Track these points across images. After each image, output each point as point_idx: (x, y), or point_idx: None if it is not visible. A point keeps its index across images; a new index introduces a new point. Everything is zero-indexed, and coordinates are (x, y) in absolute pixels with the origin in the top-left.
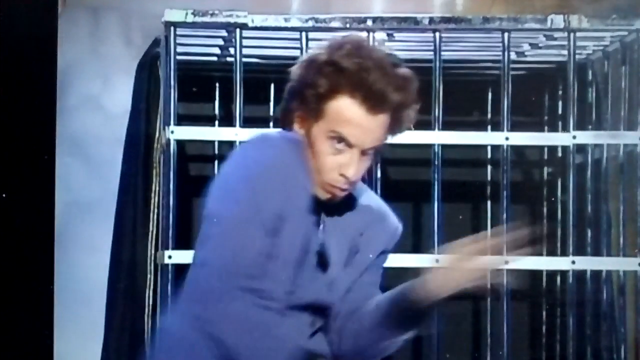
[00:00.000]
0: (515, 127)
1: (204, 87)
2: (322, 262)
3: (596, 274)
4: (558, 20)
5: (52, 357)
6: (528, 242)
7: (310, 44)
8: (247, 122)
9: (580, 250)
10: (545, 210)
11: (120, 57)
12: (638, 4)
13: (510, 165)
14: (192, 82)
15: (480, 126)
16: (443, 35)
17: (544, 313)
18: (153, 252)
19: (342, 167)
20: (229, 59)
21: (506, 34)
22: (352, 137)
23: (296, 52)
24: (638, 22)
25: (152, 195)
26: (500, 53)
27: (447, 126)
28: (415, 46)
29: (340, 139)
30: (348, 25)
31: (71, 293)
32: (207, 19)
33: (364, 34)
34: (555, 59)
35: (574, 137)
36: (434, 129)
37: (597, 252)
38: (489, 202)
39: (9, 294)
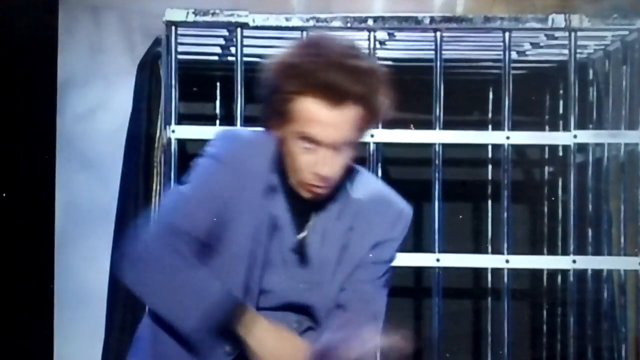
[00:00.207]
0: (516, 126)
1: (205, 86)
2: (305, 262)
3: (597, 273)
4: (559, 20)
5: (52, 357)
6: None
7: None
8: (248, 122)
9: (581, 250)
10: (546, 209)
11: (121, 56)
12: (639, 3)
13: (511, 164)
14: (193, 82)
15: (481, 125)
16: (444, 34)
17: (545, 312)
18: None
19: (314, 165)
20: (230, 58)
21: (507, 34)
22: (318, 135)
23: None
24: (639, 21)
25: (153, 194)
26: (501, 52)
27: (448, 125)
28: (416, 45)
29: (309, 138)
30: (349, 25)
31: (71, 293)
32: (208, 18)
33: (364, 34)
34: (556, 58)
35: (575, 137)
36: (435, 129)
37: (597, 252)
38: (489, 202)
39: (9, 293)
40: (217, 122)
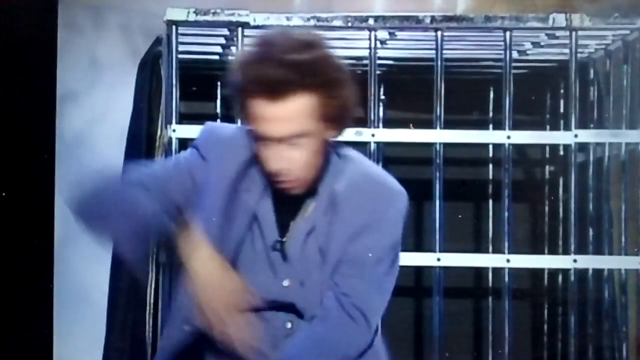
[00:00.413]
0: (517, 125)
1: (206, 85)
2: (287, 261)
3: (598, 272)
4: (560, 19)
5: (52, 356)
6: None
7: None
8: None
9: (581, 249)
10: (546, 208)
11: (121, 55)
12: (639, 2)
13: (511, 163)
14: (194, 81)
15: (482, 125)
16: (445, 34)
17: (546, 312)
18: (154, 250)
19: (268, 161)
20: (231, 57)
21: (508, 33)
22: (262, 131)
23: None
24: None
25: None
26: (502, 52)
27: (448, 125)
28: (417, 45)
29: (259, 135)
30: (350, 24)
31: (71, 292)
32: (209, 17)
33: (365, 33)
34: (557, 57)
35: (576, 136)
36: (435, 128)
37: (598, 251)
38: (490, 201)
39: (8, 293)
40: (218, 121)
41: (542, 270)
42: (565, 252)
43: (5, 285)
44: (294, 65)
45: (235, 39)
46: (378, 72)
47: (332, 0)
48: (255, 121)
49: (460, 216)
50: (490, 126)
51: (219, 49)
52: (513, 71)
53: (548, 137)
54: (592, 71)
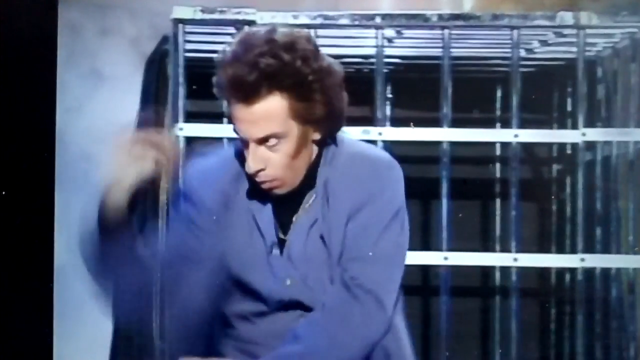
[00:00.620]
0: (524, 124)
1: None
2: (288, 260)
3: (605, 271)
4: (567, 17)
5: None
6: None
7: (319, 41)
8: None
9: (589, 248)
10: (554, 207)
11: (128, 54)
12: None
13: (519, 162)
14: (200, 79)
15: (489, 123)
16: (452, 32)
17: (553, 311)
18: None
19: (247, 162)
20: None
21: (515, 31)
22: (240, 132)
23: None
24: None
25: (160, 192)
26: (510, 50)
27: (455, 123)
28: (424, 43)
29: (238, 136)
30: (357, 22)
31: (71, 292)
32: (215, 16)
33: (371, 31)
34: (564, 56)
35: (583, 135)
36: (442, 127)
37: (606, 250)
38: (497, 200)
39: (8, 292)
40: (225, 119)
41: (549, 269)
42: (573, 251)
43: (5, 284)
44: (264, 67)
45: None
46: (385, 70)
47: None
48: (234, 122)
49: (467, 215)
50: (498, 125)
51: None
52: (520, 70)
53: (555, 135)
54: (599, 69)
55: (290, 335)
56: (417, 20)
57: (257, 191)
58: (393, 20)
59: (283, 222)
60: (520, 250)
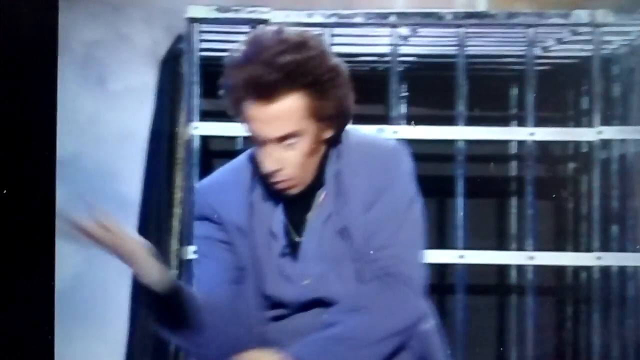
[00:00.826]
0: (540, 122)
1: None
2: (302, 260)
3: (621, 269)
4: (583, 15)
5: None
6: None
7: (334, 40)
8: None
9: (605, 246)
10: (570, 206)
11: (143, 53)
12: None
13: (535, 160)
14: (215, 78)
15: (504, 122)
16: (467, 30)
17: (569, 309)
18: (176, 247)
19: (262, 162)
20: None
21: (531, 29)
22: (255, 132)
23: None
24: None
25: (176, 191)
26: (525, 48)
27: (471, 122)
28: (438, 42)
29: (254, 136)
30: (371, 21)
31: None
32: (230, 15)
33: (386, 30)
34: (580, 54)
35: (599, 133)
36: (458, 125)
37: (622, 248)
38: (513, 198)
39: (9, 290)
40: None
41: (565, 267)
42: (589, 249)
43: (5, 282)
44: (282, 66)
45: None
46: (400, 68)
47: None
48: (249, 122)
49: (483, 213)
50: (513, 123)
51: None
52: (536, 68)
53: (571, 133)
54: (615, 67)
55: (324, 322)
56: (432, 19)
57: (269, 195)
58: (408, 18)
59: (297, 223)
60: (536, 248)
